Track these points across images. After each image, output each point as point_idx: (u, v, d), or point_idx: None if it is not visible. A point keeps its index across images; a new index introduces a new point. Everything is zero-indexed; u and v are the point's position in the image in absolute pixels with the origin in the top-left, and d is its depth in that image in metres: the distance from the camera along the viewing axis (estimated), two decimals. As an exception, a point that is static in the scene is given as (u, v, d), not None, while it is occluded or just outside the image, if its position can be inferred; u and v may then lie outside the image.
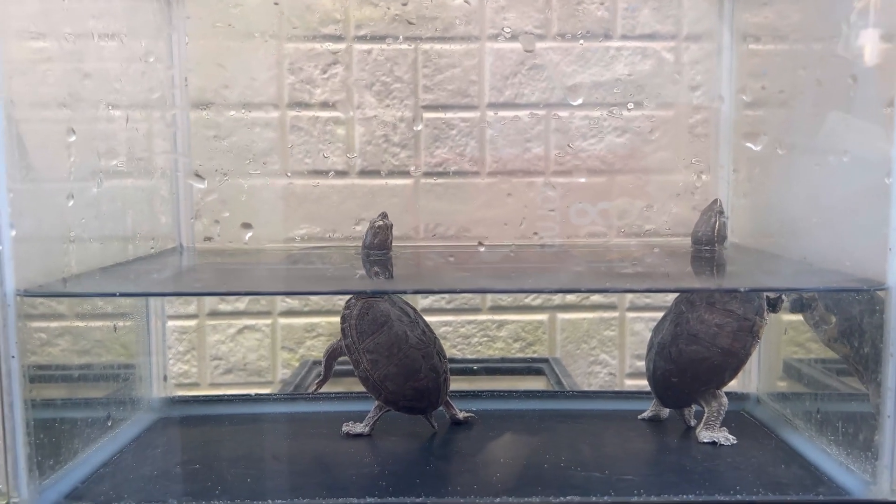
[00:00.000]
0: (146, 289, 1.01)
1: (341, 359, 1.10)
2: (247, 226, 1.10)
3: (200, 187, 1.19)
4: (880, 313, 0.85)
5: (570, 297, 1.62)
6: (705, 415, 1.05)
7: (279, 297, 1.58)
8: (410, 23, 1.33)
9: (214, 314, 1.60)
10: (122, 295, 1.04)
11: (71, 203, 0.95)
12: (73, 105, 0.97)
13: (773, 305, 1.06)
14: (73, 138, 0.95)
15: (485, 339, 1.64)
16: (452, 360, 1.59)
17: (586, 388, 1.62)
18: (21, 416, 0.84)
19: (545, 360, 1.58)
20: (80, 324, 1.00)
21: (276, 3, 1.15)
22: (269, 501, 0.86)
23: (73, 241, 0.95)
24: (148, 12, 1.18)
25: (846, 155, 0.92)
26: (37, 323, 0.90)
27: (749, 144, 1.15)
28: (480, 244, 1.16)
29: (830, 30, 0.96)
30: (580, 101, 1.31)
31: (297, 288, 1.06)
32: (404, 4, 1.30)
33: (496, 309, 1.64)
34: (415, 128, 1.39)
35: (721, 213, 1.16)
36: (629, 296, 1.60)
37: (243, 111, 1.30)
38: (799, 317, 1.08)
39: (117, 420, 1.09)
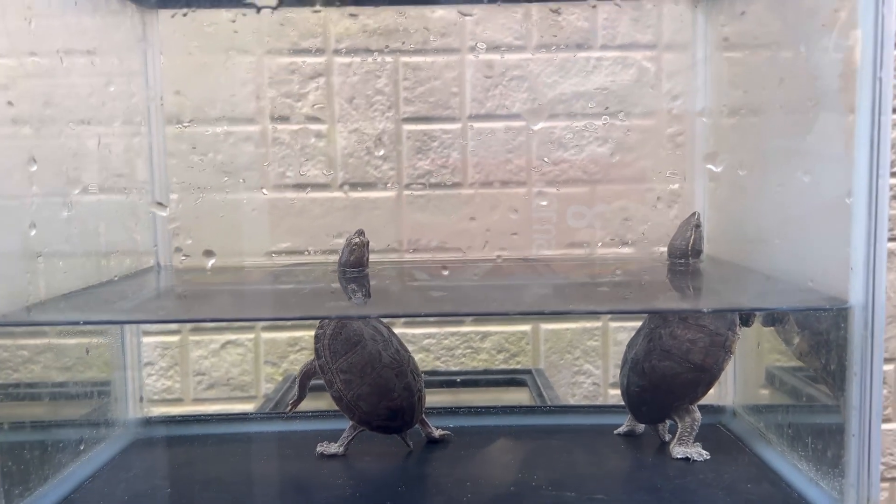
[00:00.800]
0: (115, 316, 1.01)
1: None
2: (209, 253, 1.10)
3: (162, 215, 1.19)
4: (844, 329, 0.85)
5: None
6: (679, 430, 1.05)
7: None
8: (383, 50, 1.33)
9: (197, 330, 1.60)
10: (86, 323, 1.04)
11: (39, 226, 0.93)
12: (43, 123, 0.96)
13: (746, 320, 1.06)
14: (40, 161, 0.94)
15: (468, 350, 1.64)
16: (435, 373, 1.59)
17: (570, 398, 1.62)
18: (-12, 444, 0.84)
19: (528, 372, 1.58)
20: (55, 341, 1.00)
21: (235, 32, 1.16)
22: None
23: (42, 264, 0.95)
24: (122, 30, 1.18)
25: (807, 175, 0.92)
26: (4, 341, 0.90)
27: (710, 166, 1.15)
28: (444, 268, 1.16)
29: (796, 44, 0.96)
30: (539, 125, 1.31)
31: (272, 312, 1.06)
32: (377, 29, 1.30)
33: (480, 320, 1.64)
34: (376, 153, 1.39)
35: (698, 226, 1.16)
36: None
37: (221, 127, 1.30)
38: (772, 328, 1.08)
39: (91, 442, 1.08)
